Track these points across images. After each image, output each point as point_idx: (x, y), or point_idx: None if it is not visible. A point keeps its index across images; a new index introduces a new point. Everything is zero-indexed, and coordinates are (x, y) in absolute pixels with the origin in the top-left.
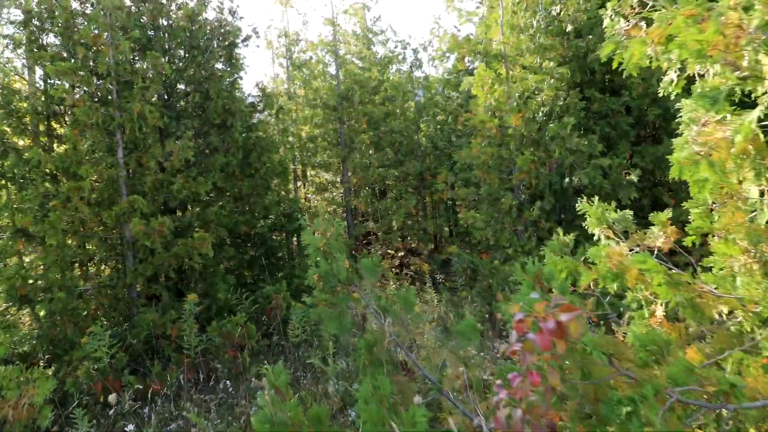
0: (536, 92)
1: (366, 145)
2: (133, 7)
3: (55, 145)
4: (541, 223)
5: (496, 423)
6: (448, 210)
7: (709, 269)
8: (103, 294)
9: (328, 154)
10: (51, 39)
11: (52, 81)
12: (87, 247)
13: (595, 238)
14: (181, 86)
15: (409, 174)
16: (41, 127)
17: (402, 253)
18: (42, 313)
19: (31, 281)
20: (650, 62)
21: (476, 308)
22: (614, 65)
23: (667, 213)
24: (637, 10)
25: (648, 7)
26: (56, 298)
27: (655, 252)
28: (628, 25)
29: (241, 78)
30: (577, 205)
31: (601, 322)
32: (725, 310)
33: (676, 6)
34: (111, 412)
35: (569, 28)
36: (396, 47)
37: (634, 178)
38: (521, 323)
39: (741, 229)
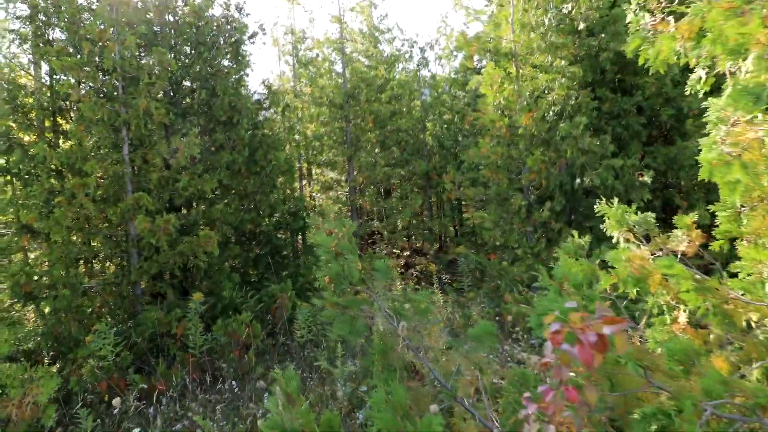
0: (546, 91)
1: (372, 144)
2: (139, 3)
3: (60, 141)
4: (551, 224)
5: None
6: (454, 210)
7: (735, 275)
8: (108, 291)
9: (334, 152)
10: (57, 34)
11: (57, 76)
12: (92, 244)
13: (614, 240)
14: (187, 83)
15: (415, 173)
16: (47, 123)
17: (407, 253)
18: (47, 310)
19: (35, 278)
20: (678, 59)
21: (484, 309)
22: (640, 62)
23: (693, 216)
24: (664, 5)
25: (676, 1)
26: (61, 295)
27: (679, 256)
28: (654, 20)
29: (248, 75)
30: (595, 206)
31: None
32: (755, 317)
33: None
34: (116, 411)
35: (581, 26)
36: (403, 45)
37: (647, 179)
38: (557, 334)
39: None
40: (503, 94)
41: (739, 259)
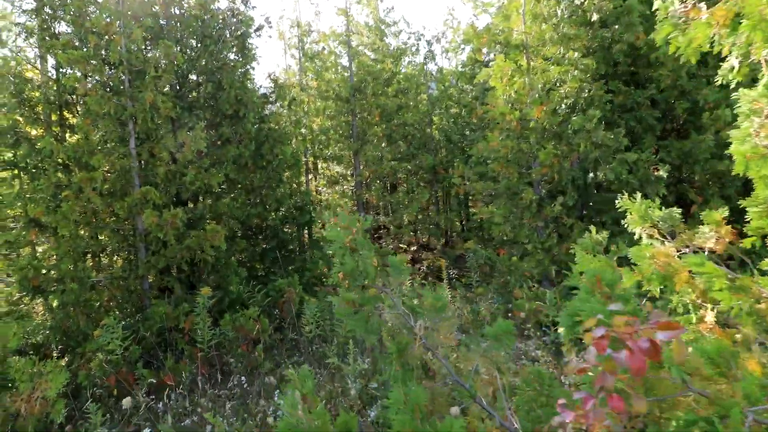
0: (558, 84)
1: (378, 138)
2: None
3: (67, 135)
4: (562, 219)
5: None
6: (461, 205)
7: (766, 273)
8: (116, 286)
9: (340, 146)
10: (63, 27)
11: (64, 70)
12: (99, 238)
13: (636, 236)
14: (193, 76)
15: (422, 167)
16: (53, 117)
17: (414, 248)
18: (55, 304)
19: (43, 272)
20: (711, 46)
21: (493, 305)
22: (671, 50)
23: (722, 212)
24: None
25: None
26: (69, 289)
27: (706, 253)
28: (686, 7)
29: (254, 68)
30: (615, 201)
31: None
32: None
33: None
34: (125, 407)
35: (594, 17)
36: (409, 39)
37: (663, 173)
38: (602, 340)
39: None
40: (513, 87)
41: None
